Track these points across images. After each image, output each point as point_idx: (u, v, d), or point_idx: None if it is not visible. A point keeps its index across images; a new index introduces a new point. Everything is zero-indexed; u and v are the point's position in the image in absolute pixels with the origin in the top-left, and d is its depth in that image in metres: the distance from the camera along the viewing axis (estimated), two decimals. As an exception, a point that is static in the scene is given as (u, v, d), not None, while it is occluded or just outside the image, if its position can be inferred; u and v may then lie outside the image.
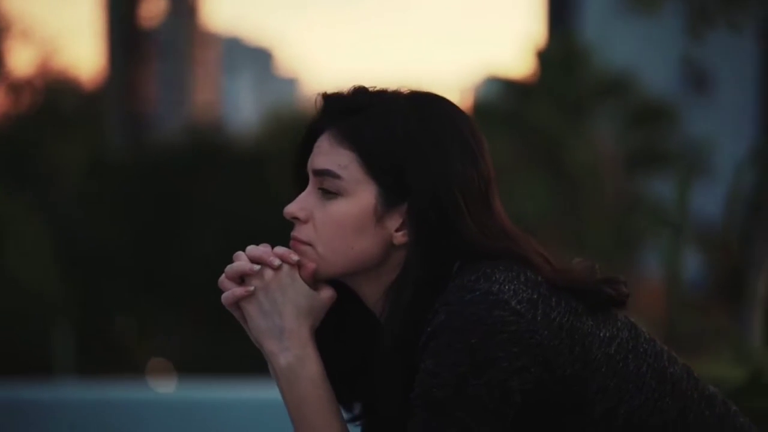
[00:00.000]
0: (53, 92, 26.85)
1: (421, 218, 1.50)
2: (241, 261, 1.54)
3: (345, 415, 1.57)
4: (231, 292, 1.53)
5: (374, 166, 1.50)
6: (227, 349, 18.87)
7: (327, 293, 1.54)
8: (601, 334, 1.48)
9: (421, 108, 1.53)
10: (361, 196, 1.51)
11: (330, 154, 1.52)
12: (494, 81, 22.72)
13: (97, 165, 23.99)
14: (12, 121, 25.75)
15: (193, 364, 18.74)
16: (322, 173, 1.52)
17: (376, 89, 1.55)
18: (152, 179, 23.39)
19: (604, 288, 1.51)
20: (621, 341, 1.50)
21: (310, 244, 1.52)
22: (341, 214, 1.51)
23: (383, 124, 1.51)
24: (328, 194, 1.52)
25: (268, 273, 1.52)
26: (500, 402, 1.43)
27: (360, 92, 1.54)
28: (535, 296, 1.46)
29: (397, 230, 1.51)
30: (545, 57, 20.88)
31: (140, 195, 22.96)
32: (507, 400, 1.44)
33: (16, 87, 25.89)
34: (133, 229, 22.43)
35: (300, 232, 1.53)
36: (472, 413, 1.42)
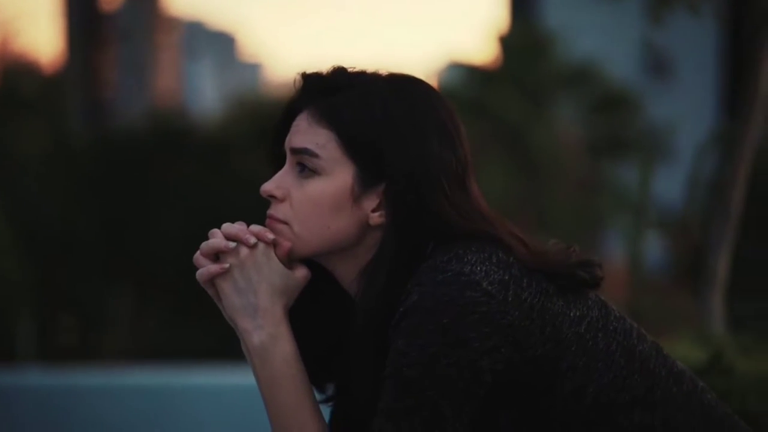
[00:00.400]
0: (13, 75, 26.58)
1: (398, 199, 1.50)
2: (216, 238, 1.54)
3: (318, 396, 1.58)
4: (206, 269, 1.53)
5: (352, 146, 1.51)
6: (193, 332, 18.82)
7: (301, 272, 1.54)
8: (572, 314, 1.50)
9: (400, 90, 1.53)
10: (338, 175, 1.51)
11: (308, 133, 1.52)
12: (457, 67, 22.72)
13: (58, 149, 23.80)
14: (-29, 105, 25.47)
15: (158, 348, 18.67)
16: (299, 151, 1.52)
17: (355, 70, 1.56)
18: (114, 164, 23.23)
19: (577, 271, 1.53)
20: (591, 320, 1.51)
21: (286, 223, 1.53)
22: (318, 193, 1.51)
23: (362, 104, 1.51)
24: (306, 173, 1.52)
25: (244, 251, 1.52)
26: (470, 382, 1.44)
27: (339, 73, 1.55)
28: (507, 277, 1.47)
29: (373, 211, 1.52)
30: (508, 43, 20.93)
31: (102, 180, 22.81)
32: (477, 380, 1.45)
33: (-24, 71, 25.60)
34: (95, 214, 22.29)
35: (276, 210, 1.53)
36: (442, 392, 1.43)
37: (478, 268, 1.46)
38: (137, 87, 52.12)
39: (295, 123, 1.55)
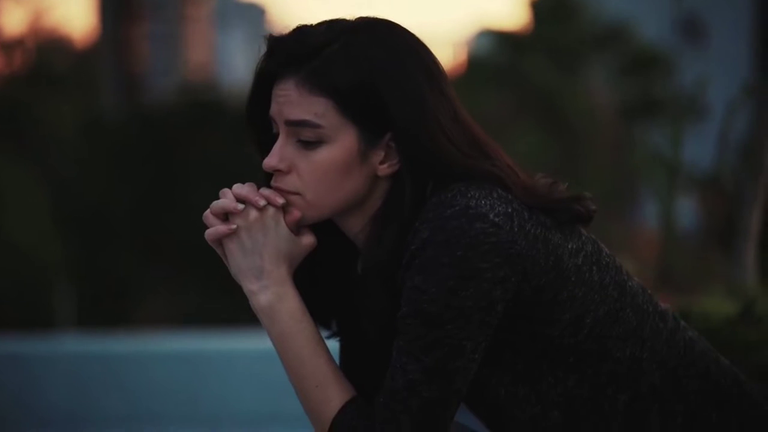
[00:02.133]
0: (45, 52, 26.74)
1: (403, 147, 1.51)
2: (226, 199, 1.55)
3: (324, 333, 1.60)
4: (214, 229, 1.56)
5: (351, 109, 1.50)
6: (226, 303, 18.95)
7: (308, 240, 1.56)
8: (569, 246, 1.52)
9: (380, 40, 1.52)
10: (343, 140, 1.51)
11: (302, 104, 1.51)
12: (487, 34, 22.60)
13: (92, 125, 23.96)
14: (5, 81, 25.67)
15: (191, 317, 18.84)
16: (299, 124, 1.51)
17: (325, 25, 1.53)
18: (147, 138, 23.36)
19: (573, 205, 1.55)
20: (586, 254, 1.54)
21: (297, 193, 1.53)
22: (327, 162, 1.51)
23: (349, 64, 1.50)
24: (309, 144, 1.52)
25: (252, 213, 1.54)
26: (486, 312, 1.46)
27: (313, 33, 1.52)
28: (510, 210, 1.49)
29: (381, 163, 1.53)
30: (538, 8, 20.78)
31: (136, 154, 22.95)
32: (492, 311, 1.47)
33: (8, 47, 25.77)
34: (129, 188, 22.44)
35: (284, 182, 1.54)
36: (461, 325, 1.45)
37: (483, 202, 1.47)
38: (169, 61, 52.31)
39: (279, 92, 1.53)
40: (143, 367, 6.63)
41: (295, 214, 1.53)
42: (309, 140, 1.51)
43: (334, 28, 1.52)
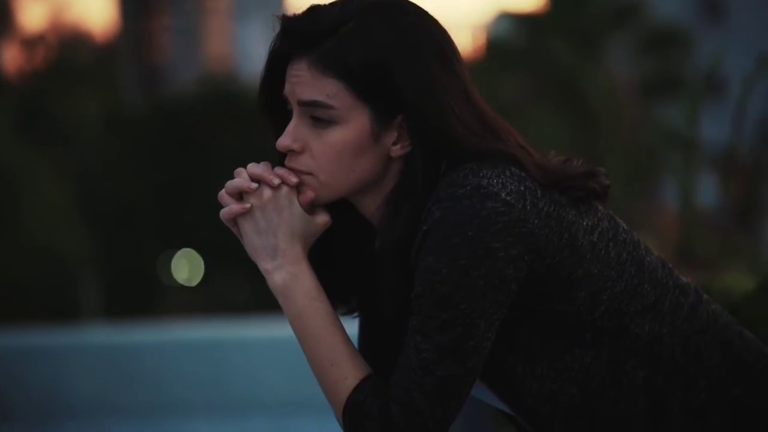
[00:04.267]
0: (66, 47, 26.82)
1: (416, 128, 1.52)
2: (240, 178, 1.55)
3: (341, 310, 1.61)
4: (228, 208, 1.55)
5: (363, 89, 1.51)
6: (249, 292, 19.00)
7: (323, 219, 1.56)
8: (585, 223, 1.52)
9: (393, 20, 1.53)
10: (355, 120, 1.51)
11: (315, 85, 1.51)
12: (506, 17, 22.52)
13: (114, 118, 24.04)
14: (27, 76, 25.77)
15: (218, 308, 18.90)
16: (311, 104, 1.52)
17: (338, 6, 1.53)
18: (169, 131, 23.43)
19: (588, 182, 1.55)
20: (602, 230, 1.53)
21: (310, 173, 1.54)
22: (339, 142, 1.52)
23: (362, 44, 1.51)
24: (322, 123, 1.52)
25: (267, 192, 1.54)
26: (499, 291, 1.47)
27: (326, 13, 1.53)
28: (522, 188, 1.49)
29: (393, 144, 1.53)
30: (556, -11, 20.69)
31: (157, 146, 23.03)
32: (505, 290, 1.47)
33: (30, 42, 25.87)
34: (152, 180, 22.53)
35: (297, 162, 1.54)
36: (474, 305, 1.46)
37: (495, 181, 1.48)
38: (189, 53, 52.39)
39: (293, 72, 1.53)
40: (169, 357, 6.68)
41: (309, 194, 1.53)
42: (321, 119, 1.52)
43: (347, 8, 1.52)
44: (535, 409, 1.53)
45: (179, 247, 22.12)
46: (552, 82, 19.83)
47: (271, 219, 1.54)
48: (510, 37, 21.49)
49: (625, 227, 1.57)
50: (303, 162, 1.54)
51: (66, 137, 23.43)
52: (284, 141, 1.54)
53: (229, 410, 6.66)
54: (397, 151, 1.53)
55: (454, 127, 1.52)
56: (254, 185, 1.55)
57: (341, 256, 1.61)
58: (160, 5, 49.84)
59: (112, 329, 9.97)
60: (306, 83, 1.52)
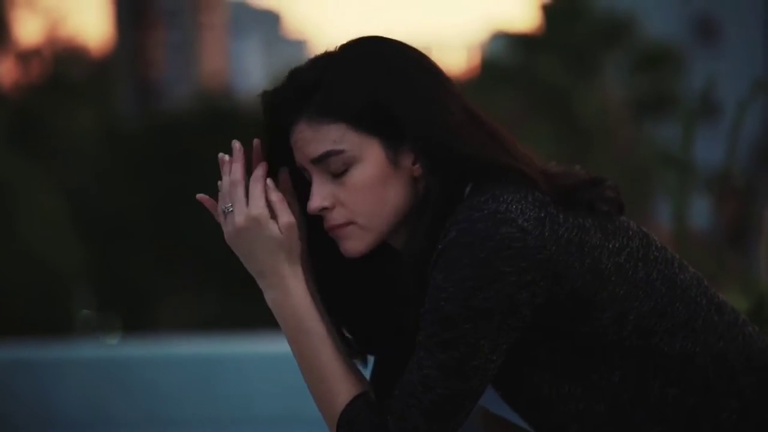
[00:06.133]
0: (62, 61, 26.82)
1: (424, 149, 1.53)
2: (217, 206, 1.58)
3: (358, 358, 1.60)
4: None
5: (365, 124, 1.51)
6: (243, 307, 18.98)
7: (283, 221, 1.55)
8: (610, 246, 1.51)
9: (371, 54, 1.54)
10: (369, 155, 1.52)
11: (319, 138, 1.52)
12: (501, 37, 22.60)
13: (109, 132, 24.03)
14: (22, 90, 25.76)
15: (209, 325, 18.88)
16: (323, 158, 1.52)
17: (311, 61, 1.56)
18: (163, 145, 23.43)
19: (604, 193, 1.55)
20: (631, 250, 1.52)
21: (349, 223, 1.54)
22: (363, 180, 1.52)
23: (349, 84, 1.52)
24: (340, 171, 1.52)
25: (233, 220, 1.55)
26: (508, 315, 1.46)
27: (304, 71, 1.54)
28: (542, 215, 1.49)
29: (413, 163, 1.53)
30: (550, 8, 20.79)
31: (152, 161, 23.02)
32: (515, 314, 1.47)
33: (25, 56, 25.88)
34: (146, 196, 22.51)
35: (334, 218, 1.54)
36: (479, 326, 1.46)
37: (514, 207, 1.48)
38: (184, 68, 52.42)
39: (296, 138, 1.54)
40: (162, 372, 6.67)
41: (356, 244, 1.53)
42: (339, 170, 1.52)
43: (321, 60, 1.54)
44: (561, 428, 1.52)
45: (173, 261, 22.09)
46: (545, 100, 19.89)
47: (244, 246, 1.55)
48: (504, 57, 21.57)
49: (660, 245, 1.55)
50: (339, 215, 1.54)
51: (61, 150, 23.41)
52: (314, 203, 1.54)
53: (223, 425, 6.66)
54: (418, 170, 1.54)
55: (460, 143, 1.52)
56: (221, 216, 1.56)
57: (359, 296, 1.61)
58: (155, 20, 49.89)
59: (104, 342, 9.95)
60: (311, 140, 1.53)
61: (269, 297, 1.55)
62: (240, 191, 1.55)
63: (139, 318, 19.94)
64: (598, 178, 1.57)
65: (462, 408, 1.47)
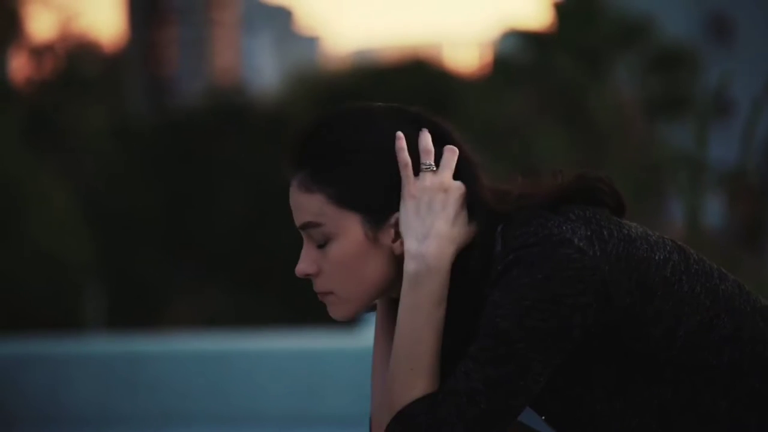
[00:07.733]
0: (74, 57, 26.88)
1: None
2: (427, 143, 1.53)
3: None
4: (402, 156, 1.52)
5: (345, 198, 1.51)
6: (253, 303, 18.99)
7: (468, 229, 1.53)
8: (656, 257, 1.50)
9: (351, 124, 1.54)
10: (347, 230, 1.52)
11: (302, 207, 1.53)
12: (513, 35, 22.56)
13: (121, 129, 24.10)
14: (35, 86, 25.84)
15: (218, 321, 18.90)
16: (306, 226, 1.54)
17: (321, 123, 1.56)
18: (175, 142, 23.48)
19: (609, 185, 1.54)
20: (674, 263, 1.51)
21: (330, 292, 1.55)
22: (340, 256, 1.52)
23: (325, 156, 1.52)
24: (321, 242, 1.53)
25: (437, 178, 1.52)
26: (561, 338, 1.46)
27: (301, 136, 1.55)
28: (589, 232, 1.49)
29: (393, 242, 1.53)
30: (563, 7, 20.74)
31: (164, 157, 23.07)
32: (567, 336, 1.47)
33: (38, 52, 25.94)
34: (157, 192, 22.56)
35: (318, 285, 1.55)
36: (532, 346, 1.46)
37: (565, 227, 1.48)
38: (196, 65, 52.52)
39: (290, 197, 1.57)
40: (171, 367, 6.68)
41: (338, 310, 1.55)
42: (320, 241, 1.53)
43: (309, 130, 1.54)
44: None
45: (183, 258, 22.14)
46: (558, 99, 19.85)
47: (433, 206, 1.52)
48: (517, 55, 21.55)
49: (696, 257, 1.54)
50: (322, 283, 1.55)
51: (72, 146, 23.47)
52: (300, 268, 1.55)
53: (231, 421, 6.66)
54: (399, 248, 1.52)
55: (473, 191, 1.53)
56: (431, 163, 1.52)
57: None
58: (168, 17, 50.00)
59: (114, 338, 9.96)
60: (297, 207, 1.55)
61: (413, 266, 1.51)
62: (453, 159, 1.53)
63: (148, 314, 19.98)
64: (580, 173, 1.55)
65: (502, 423, 1.48)
